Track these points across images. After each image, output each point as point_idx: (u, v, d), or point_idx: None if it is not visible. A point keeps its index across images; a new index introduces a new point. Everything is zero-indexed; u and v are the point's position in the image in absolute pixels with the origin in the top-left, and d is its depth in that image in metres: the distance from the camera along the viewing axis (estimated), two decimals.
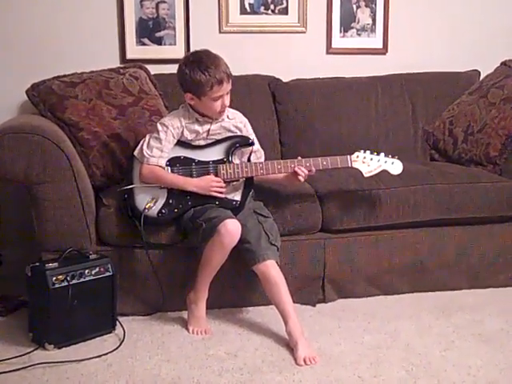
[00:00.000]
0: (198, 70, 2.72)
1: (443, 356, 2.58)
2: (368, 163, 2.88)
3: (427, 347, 2.64)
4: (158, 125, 2.85)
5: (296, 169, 2.82)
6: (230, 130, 2.92)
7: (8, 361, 2.50)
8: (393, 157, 2.91)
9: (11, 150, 2.68)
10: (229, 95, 2.82)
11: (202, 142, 2.88)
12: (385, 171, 2.89)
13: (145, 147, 2.82)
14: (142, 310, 2.93)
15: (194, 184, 2.81)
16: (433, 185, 3.11)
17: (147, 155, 2.81)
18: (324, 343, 2.68)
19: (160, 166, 2.81)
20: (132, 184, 2.85)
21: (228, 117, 2.92)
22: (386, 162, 2.90)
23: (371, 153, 2.90)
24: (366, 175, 2.89)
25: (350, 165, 2.88)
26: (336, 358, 2.56)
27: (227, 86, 2.78)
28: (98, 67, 3.35)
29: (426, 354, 2.59)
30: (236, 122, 2.95)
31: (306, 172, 2.82)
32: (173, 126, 2.83)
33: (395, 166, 2.90)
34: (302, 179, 2.83)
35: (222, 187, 2.81)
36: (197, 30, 3.74)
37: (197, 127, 2.86)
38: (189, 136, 2.86)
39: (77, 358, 2.54)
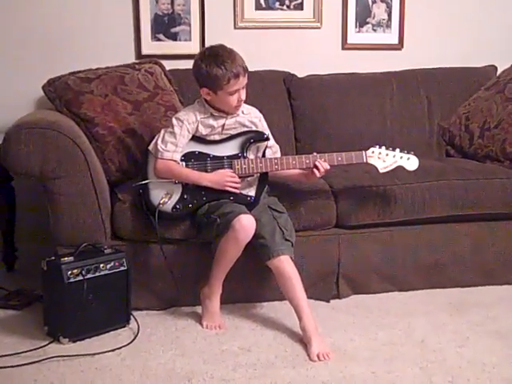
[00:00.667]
0: (215, 65, 2.72)
1: (458, 353, 2.56)
2: (383, 159, 2.87)
3: (442, 344, 2.63)
4: (174, 119, 2.85)
5: (316, 163, 2.80)
6: (244, 125, 2.92)
7: (23, 354, 2.52)
8: (408, 152, 2.89)
9: (27, 145, 2.69)
10: (245, 89, 2.82)
11: (217, 137, 2.88)
12: (400, 167, 2.88)
13: (159, 142, 2.83)
14: (156, 304, 2.94)
15: (208, 179, 2.81)
16: (448, 181, 3.10)
17: (162, 150, 2.81)
18: (338, 339, 2.68)
19: (174, 161, 2.82)
20: (147, 179, 2.86)
21: (243, 112, 2.92)
22: (401, 157, 2.88)
23: (387, 148, 2.88)
24: (381, 171, 2.88)
25: (365, 160, 2.86)
26: (350, 354, 2.56)
27: (243, 80, 2.78)
28: (113, 63, 3.36)
29: (441, 351, 2.57)
30: (251, 116, 2.95)
31: (325, 167, 2.80)
32: (188, 121, 2.84)
33: (411, 162, 2.88)
34: (318, 175, 2.81)
35: (236, 182, 2.81)
36: (212, 25, 3.75)
37: (212, 122, 2.86)
38: (203, 131, 2.86)
39: (91, 352, 2.55)
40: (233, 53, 2.78)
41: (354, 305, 3.02)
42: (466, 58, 3.92)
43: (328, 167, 2.81)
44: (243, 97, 2.82)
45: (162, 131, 2.86)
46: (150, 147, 2.88)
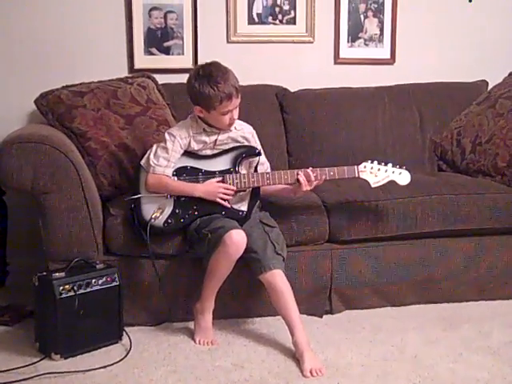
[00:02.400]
0: (208, 85, 2.72)
1: (451, 368, 2.56)
2: (375, 174, 2.87)
3: (434, 359, 2.63)
4: (166, 134, 2.85)
5: (298, 177, 2.80)
6: (237, 141, 2.92)
7: (14, 370, 2.50)
8: (400, 167, 2.90)
9: (19, 159, 2.69)
10: (237, 109, 2.82)
11: (209, 152, 2.88)
12: (392, 182, 2.88)
13: (152, 157, 2.83)
14: (148, 320, 2.93)
15: (200, 190, 2.81)
16: (440, 195, 3.10)
17: (154, 164, 2.81)
18: (330, 355, 2.67)
19: (166, 176, 2.82)
20: (139, 193, 2.85)
21: (235, 128, 2.92)
22: (393, 172, 2.88)
23: (379, 163, 2.89)
24: (373, 186, 2.88)
25: (357, 175, 2.87)
26: (342, 370, 2.55)
27: (236, 101, 2.78)
28: (106, 77, 3.37)
29: (434, 367, 2.57)
30: (244, 132, 2.95)
31: (308, 180, 2.79)
32: (180, 137, 2.83)
33: (403, 177, 2.89)
34: (303, 188, 2.80)
35: (228, 194, 2.80)
36: (205, 39, 3.76)
37: (204, 137, 2.86)
38: (196, 146, 2.86)
39: (83, 369, 2.53)
40: (227, 73, 2.77)
41: (347, 320, 3.01)
42: (457, 73, 3.94)
43: (312, 179, 2.80)
44: (235, 116, 2.83)
45: (155, 146, 2.85)
46: (142, 162, 2.88)
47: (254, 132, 3.00)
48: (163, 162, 2.81)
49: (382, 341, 2.80)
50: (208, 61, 2.82)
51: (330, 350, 2.71)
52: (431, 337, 2.83)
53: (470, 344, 2.76)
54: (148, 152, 2.87)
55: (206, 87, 2.72)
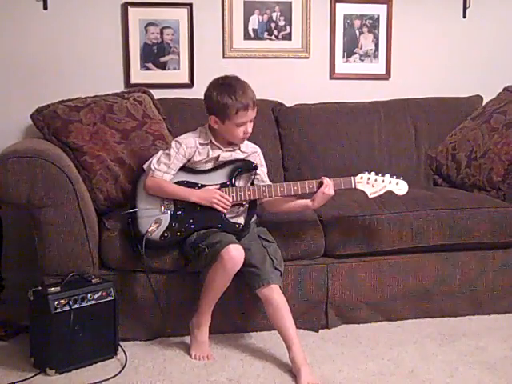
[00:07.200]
0: (226, 94, 2.76)
1: (447, 383, 2.55)
2: (372, 184, 2.86)
3: (431, 374, 2.62)
4: (173, 142, 2.89)
5: (324, 180, 2.79)
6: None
7: None
8: (397, 177, 2.90)
9: (15, 173, 2.68)
10: (252, 123, 2.84)
11: (208, 166, 2.89)
12: (390, 192, 2.88)
13: (154, 161, 2.86)
14: (143, 334, 2.92)
15: (196, 195, 2.81)
16: (436, 210, 3.11)
17: (154, 168, 2.84)
18: (327, 370, 2.66)
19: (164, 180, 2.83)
20: (136, 196, 2.87)
21: (240, 148, 2.93)
22: (390, 182, 2.87)
23: (376, 174, 2.88)
24: (370, 196, 2.86)
25: (354, 186, 2.86)
26: None
27: (252, 114, 2.81)
28: (102, 91, 3.36)
29: (430, 381, 2.56)
30: (248, 154, 2.94)
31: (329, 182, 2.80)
32: (186, 145, 2.85)
33: (400, 187, 2.88)
34: (330, 191, 2.79)
35: (224, 203, 2.79)
36: (201, 55, 3.77)
37: (209, 151, 2.87)
38: (198, 157, 2.87)
39: None
40: (245, 85, 2.82)
41: (343, 335, 3.00)
42: (452, 88, 3.97)
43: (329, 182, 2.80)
44: (250, 130, 2.84)
45: (160, 152, 2.89)
46: (145, 166, 2.90)
47: (260, 151, 3.01)
48: (163, 167, 2.83)
49: (379, 355, 2.79)
50: (228, 74, 2.87)
51: (327, 364, 2.71)
52: (428, 351, 2.83)
53: (467, 359, 2.75)
54: (153, 157, 2.90)
55: (224, 96, 2.76)
